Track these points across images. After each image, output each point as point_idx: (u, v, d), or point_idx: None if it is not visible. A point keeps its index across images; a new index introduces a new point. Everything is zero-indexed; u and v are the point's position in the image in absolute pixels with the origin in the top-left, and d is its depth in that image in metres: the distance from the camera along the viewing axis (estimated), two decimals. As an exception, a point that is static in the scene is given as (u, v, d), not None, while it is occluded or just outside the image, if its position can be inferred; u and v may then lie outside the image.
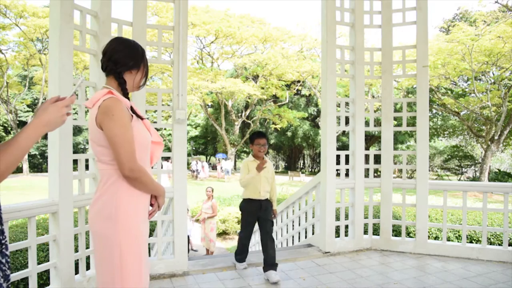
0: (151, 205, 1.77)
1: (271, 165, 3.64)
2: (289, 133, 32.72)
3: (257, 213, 3.58)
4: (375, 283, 3.39)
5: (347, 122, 4.50)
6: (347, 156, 4.48)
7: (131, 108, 1.68)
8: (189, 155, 35.74)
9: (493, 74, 20.07)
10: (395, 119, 4.61)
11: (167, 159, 20.14)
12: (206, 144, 40.30)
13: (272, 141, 34.86)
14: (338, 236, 4.41)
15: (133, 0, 3.43)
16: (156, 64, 20.30)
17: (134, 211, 1.63)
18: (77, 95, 3.13)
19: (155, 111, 6.73)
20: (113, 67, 1.70)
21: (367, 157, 4.55)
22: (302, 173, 29.26)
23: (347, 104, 4.53)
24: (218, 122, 30.95)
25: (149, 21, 19.82)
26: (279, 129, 31.50)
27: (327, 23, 4.21)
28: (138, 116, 1.70)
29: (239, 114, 32.77)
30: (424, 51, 4.27)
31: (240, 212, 3.82)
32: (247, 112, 31.49)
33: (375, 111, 4.68)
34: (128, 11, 4.19)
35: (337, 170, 4.33)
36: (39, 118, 1.13)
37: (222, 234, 10.92)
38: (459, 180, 24.63)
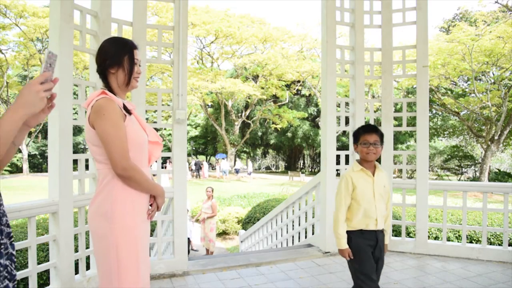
0: (150, 205, 1.76)
1: (385, 175, 2.32)
2: (289, 133, 32.73)
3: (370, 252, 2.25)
4: (375, 283, 3.39)
5: (347, 122, 4.50)
6: (347, 156, 4.48)
7: (124, 107, 1.66)
8: (189, 155, 35.74)
9: (493, 74, 20.07)
10: (395, 119, 4.61)
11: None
12: (206, 144, 40.29)
13: (272, 141, 34.84)
14: (338, 236, 4.40)
15: (133, 0, 3.43)
16: (156, 64, 20.33)
17: (131, 210, 1.63)
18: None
19: (155, 111, 6.74)
20: (98, 69, 1.71)
21: (367, 157, 4.54)
22: (302, 173, 29.22)
23: (347, 104, 4.53)
24: (218, 122, 30.96)
25: (149, 21, 19.81)
26: (279, 129, 31.53)
27: (327, 23, 4.22)
28: (129, 112, 1.67)
29: (239, 114, 32.77)
30: (424, 51, 4.27)
31: None
32: (247, 112, 31.50)
33: (375, 111, 4.68)
34: (128, 11, 4.19)
35: (337, 170, 4.33)
36: (16, 101, 1.15)
37: (222, 234, 10.92)
38: (459, 180, 24.62)
